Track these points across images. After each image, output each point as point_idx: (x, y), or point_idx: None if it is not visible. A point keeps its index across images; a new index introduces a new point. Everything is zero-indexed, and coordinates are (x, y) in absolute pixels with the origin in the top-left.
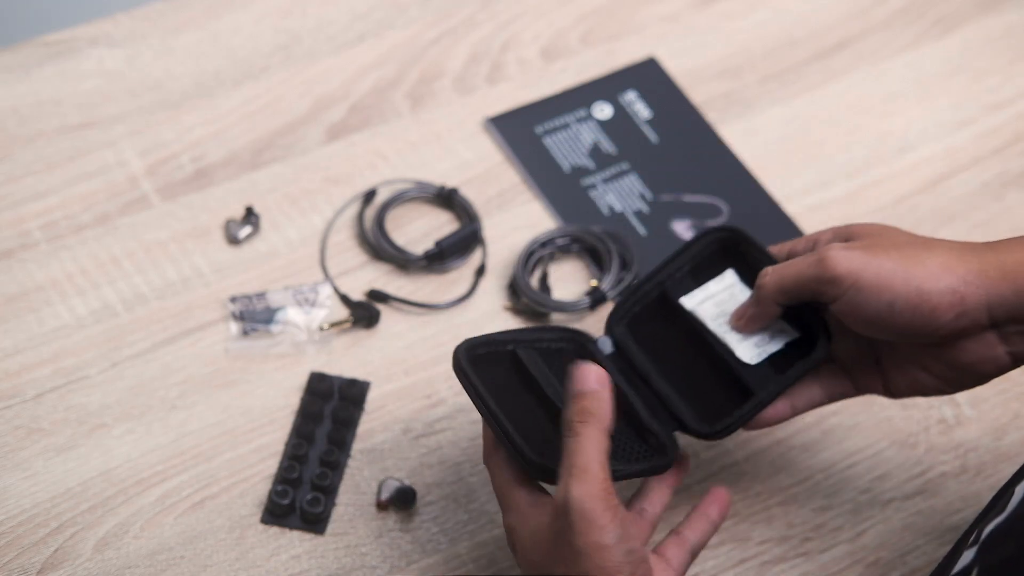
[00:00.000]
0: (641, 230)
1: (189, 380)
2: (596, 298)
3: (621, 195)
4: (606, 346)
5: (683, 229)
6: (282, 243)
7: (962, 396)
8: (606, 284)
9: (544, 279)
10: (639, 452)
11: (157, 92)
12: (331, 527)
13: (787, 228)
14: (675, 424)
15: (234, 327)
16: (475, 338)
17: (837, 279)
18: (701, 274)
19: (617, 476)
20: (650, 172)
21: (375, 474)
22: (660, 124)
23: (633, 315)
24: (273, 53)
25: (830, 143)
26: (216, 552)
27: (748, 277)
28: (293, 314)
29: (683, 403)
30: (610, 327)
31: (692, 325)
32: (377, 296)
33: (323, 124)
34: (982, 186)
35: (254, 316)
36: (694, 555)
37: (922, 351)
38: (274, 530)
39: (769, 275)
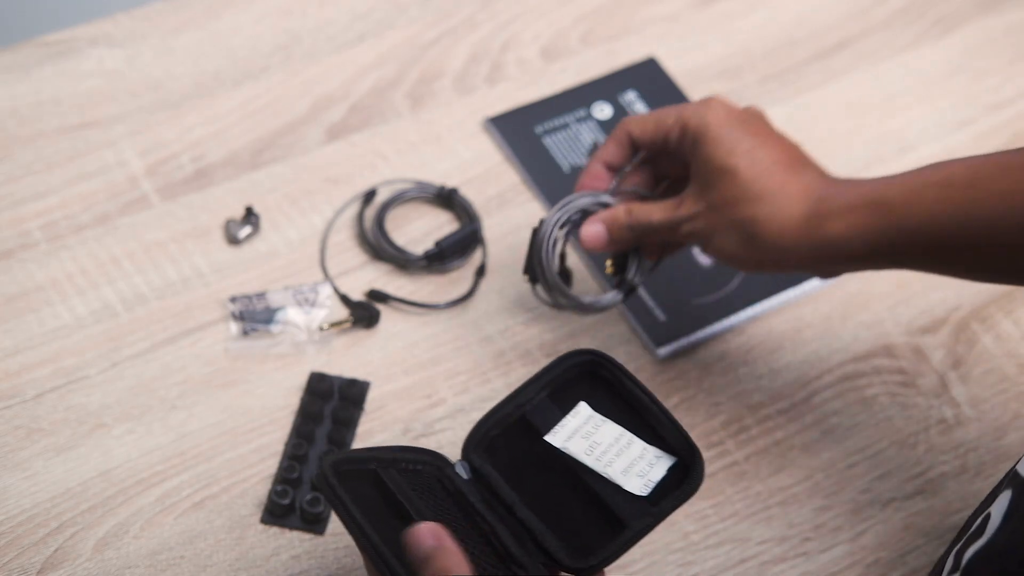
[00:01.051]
0: None
1: (189, 380)
2: (627, 290)
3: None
4: (463, 471)
5: None
6: (282, 243)
7: (962, 396)
8: (631, 271)
9: (564, 270)
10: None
11: (157, 92)
12: (331, 527)
13: None
14: (543, 556)
15: (234, 327)
16: (339, 454)
17: (687, 244)
18: (560, 397)
19: None
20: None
21: None
22: None
23: (491, 439)
24: (273, 53)
25: (830, 143)
26: (216, 552)
27: (606, 404)
28: (293, 314)
29: (551, 535)
30: (466, 452)
31: (555, 454)
32: (377, 296)
33: (323, 124)
34: None
35: (254, 316)
36: None
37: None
38: (274, 530)
39: (627, 217)
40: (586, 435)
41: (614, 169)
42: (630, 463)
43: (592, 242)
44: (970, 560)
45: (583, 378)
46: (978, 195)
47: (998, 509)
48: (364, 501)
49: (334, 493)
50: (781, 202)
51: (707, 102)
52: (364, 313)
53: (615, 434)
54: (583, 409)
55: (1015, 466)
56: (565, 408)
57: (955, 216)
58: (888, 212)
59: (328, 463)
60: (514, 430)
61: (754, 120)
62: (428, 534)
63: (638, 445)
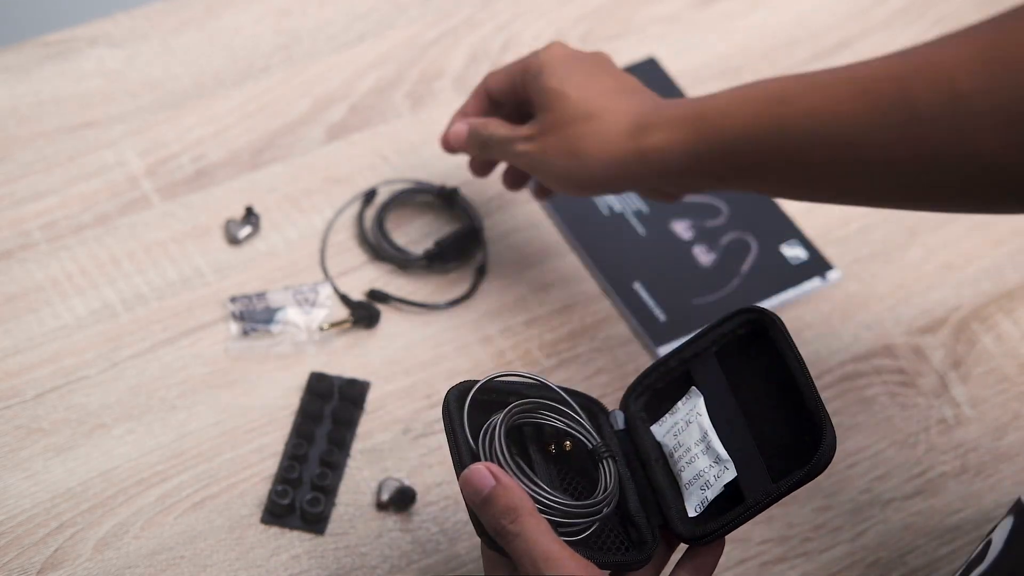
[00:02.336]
0: (641, 230)
1: (189, 380)
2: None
3: (620, 195)
4: (618, 421)
5: (683, 229)
6: (282, 243)
7: (962, 396)
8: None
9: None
10: (616, 542)
11: (157, 92)
12: (331, 527)
13: (787, 228)
14: (660, 519)
15: (234, 327)
16: (469, 383)
17: (527, 170)
18: (725, 357)
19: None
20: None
21: (375, 474)
22: None
23: (654, 392)
24: (273, 53)
25: None
26: (216, 552)
27: (769, 366)
28: (293, 314)
29: (674, 498)
30: (626, 402)
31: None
32: (377, 296)
33: (323, 124)
34: None
35: (254, 316)
36: None
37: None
38: (274, 530)
39: (472, 136)
40: (676, 433)
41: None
42: (697, 473)
43: (452, 139)
44: None
45: (750, 337)
46: (787, 111)
47: (1000, 536)
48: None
49: (449, 417)
50: (607, 119)
51: (548, 45)
52: (364, 313)
53: (698, 437)
54: (694, 399)
55: (1020, 497)
56: (728, 368)
57: (766, 131)
58: (704, 126)
59: (454, 390)
60: (675, 384)
61: (595, 59)
62: (486, 473)
63: (704, 460)
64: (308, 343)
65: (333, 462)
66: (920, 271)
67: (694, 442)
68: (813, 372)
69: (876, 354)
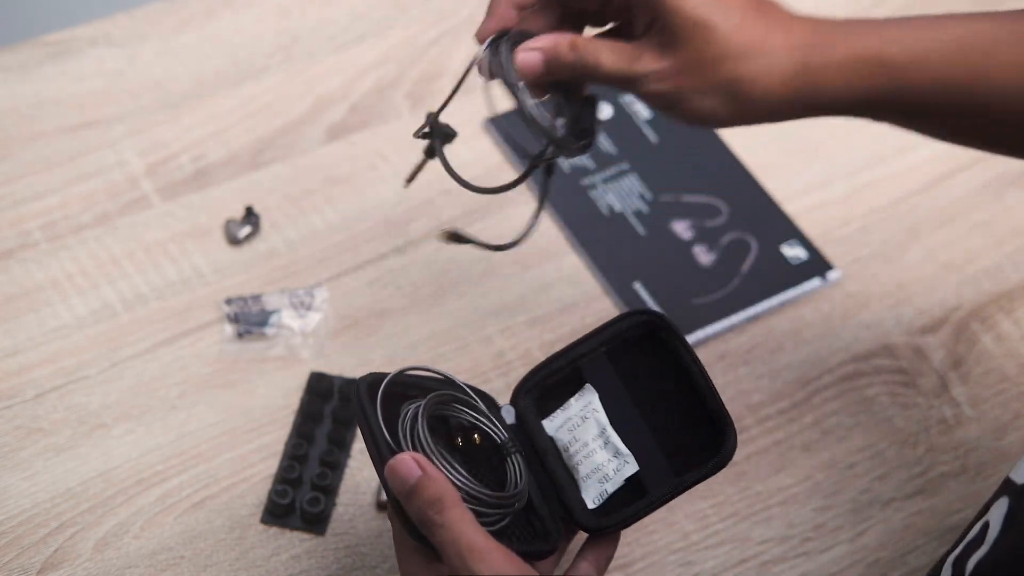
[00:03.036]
0: (641, 230)
1: (189, 380)
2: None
3: (621, 195)
4: (509, 416)
5: (683, 229)
6: (282, 243)
7: (962, 396)
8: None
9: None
10: (521, 533)
11: (157, 92)
12: (331, 527)
13: (787, 228)
14: (562, 511)
15: (228, 329)
16: (376, 375)
17: (651, 106)
18: (617, 356)
19: None
20: (650, 172)
21: (375, 474)
22: (660, 124)
23: (543, 389)
24: (273, 53)
25: (830, 143)
26: (216, 552)
27: (658, 366)
28: (288, 317)
29: (574, 491)
30: (515, 398)
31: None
32: (456, 237)
33: (323, 124)
34: (982, 186)
35: (249, 319)
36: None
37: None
38: (274, 530)
39: (574, 52)
40: (571, 428)
41: (524, 8)
42: (595, 467)
43: (525, 67)
44: (974, 570)
45: (642, 339)
46: (992, 64)
47: (996, 516)
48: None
49: (361, 408)
50: (768, 58)
51: None
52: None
53: (595, 432)
54: (588, 393)
55: (1009, 474)
56: (620, 367)
57: (965, 84)
58: (884, 73)
59: (364, 381)
60: (565, 383)
61: None
62: (412, 464)
63: (602, 454)
64: (302, 347)
65: (333, 462)
66: (920, 271)
67: (591, 437)
68: (813, 372)
69: (876, 354)
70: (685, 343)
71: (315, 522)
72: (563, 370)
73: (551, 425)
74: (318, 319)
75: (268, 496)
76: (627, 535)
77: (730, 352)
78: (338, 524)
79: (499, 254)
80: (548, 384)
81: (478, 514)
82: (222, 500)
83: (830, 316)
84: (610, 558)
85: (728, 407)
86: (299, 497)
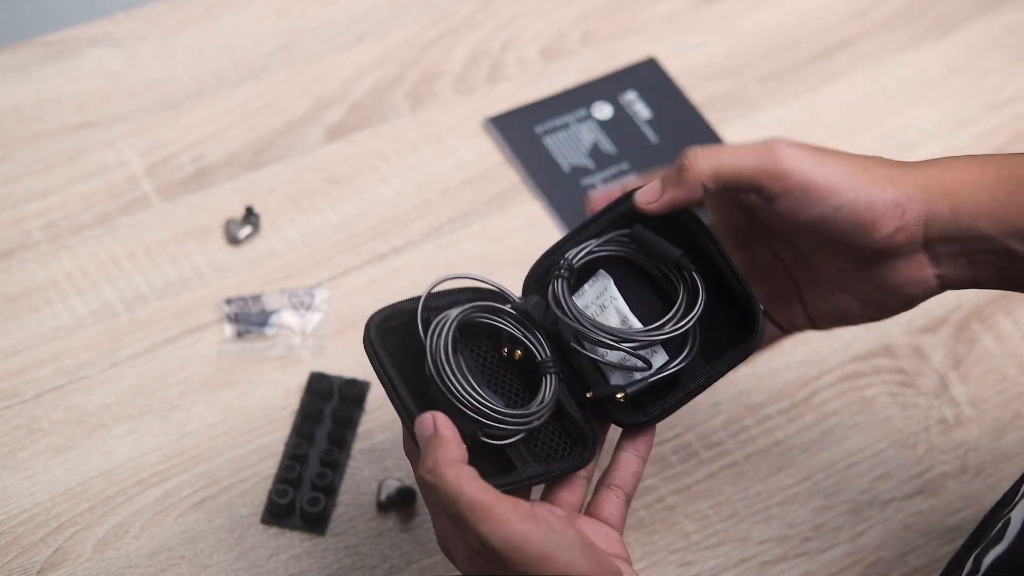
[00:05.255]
0: None
1: (189, 380)
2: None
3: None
4: (529, 304)
5: None
6: (282, 243)
7: (962, 396)
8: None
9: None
10: (559, 446)
11: (157, 92)
12: (331, 527)
13: None
14: (595, 410)
15: (228, 329)
16: (387, 308)
17: (786, 173)
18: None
19: (537, 480)
20: (650, 172)
21: (375, 474)
22: (660, 124)
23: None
24: (273, 53)
25: (830, 143)
26: (216, 552)
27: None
28: (288, 317)
29: (602, 385)
30: (526, 289)
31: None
32: None
33: (323, 124)
34: None
35: (249, 319)
36: (629, 502)
37: (849, 271)
38: (274, 530)
39: (702, 156)
40: (593, 315)
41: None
42: (622, 358)
43: (645, 200)
44: (991, 566)
45: (659, 222)
46: None
47: (1019, 515)
48: (403, 357)
49: (374, 351)
50: (892, 164)
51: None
52: None
53: (617, 320)
54: (600, 279)
55: None
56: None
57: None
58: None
59: (374, 319)
60: (581, 270)
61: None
62: (428, 423)
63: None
64: (302, 347)
65: (333, 462)
66: None
67: (615, 326)
68: (813, 372)
69: (876, 354)
70: (701, 224)
71: (315, 522)
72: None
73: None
74: (318, 319)
75: (268, 496)
76: (627, 535)
77: None
78: (338, 524)
79: (500, 255)
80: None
81: (494, 431)
82: (222, 500)
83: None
84: (650, 447)
85: (728, 407)
86: (299, 497)
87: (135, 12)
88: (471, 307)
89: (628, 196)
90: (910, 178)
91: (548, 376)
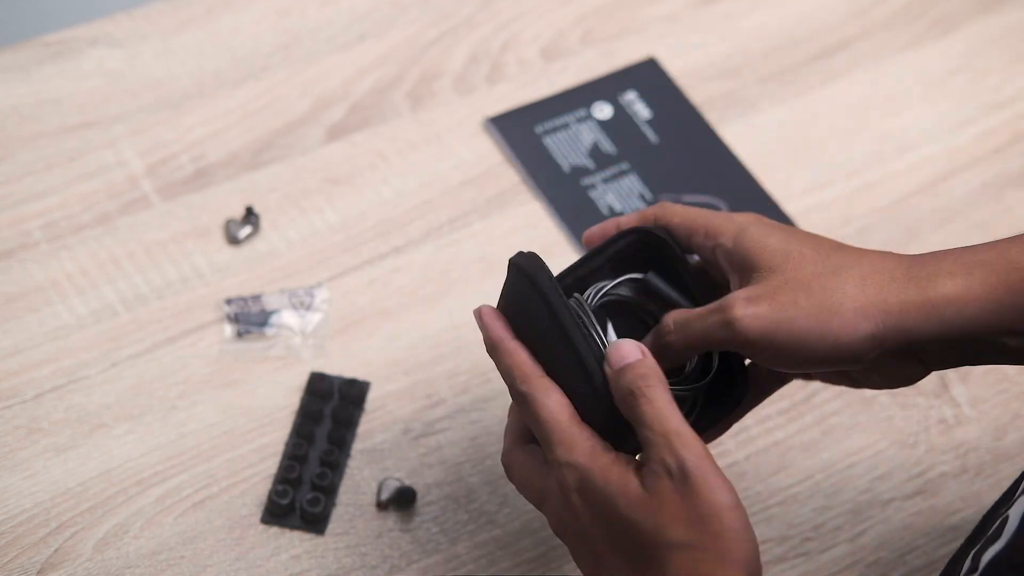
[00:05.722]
0: None
1: (189, 380)
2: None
3: (621, 195)
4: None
5: None
6: (282, 243)
7: (962, 396)
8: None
9: None
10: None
11: (157, 92)
12: (331, 527)
13: None
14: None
15: (228, 329)
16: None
17: (749, 343)
18: (620, 274)
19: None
20: (650, 172)
21: (375, 474)
22: (660, 124)
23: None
24: (273, 53)
25: (830, 143)
26: (216, 552)
27: (665, 278)
28: (288, 317)
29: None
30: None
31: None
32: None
33: (323, 124)
34: (982, 186)
35: (249, 319)
36: None
37: (841, 375)
38: (274, 530)
39: (674, 333)
40: None
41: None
42: None
43: (625, 354)
44: (989, 564)
45: (642, 257)
46: None
47: (1017, 512)
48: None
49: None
50: (867, 268)
51: (737, 213)
52: None
53: None
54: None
55: None
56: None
57: None
58: (1016, 273)
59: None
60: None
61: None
62: (635, 347)
63: None
64: (302, 347)
65: (333, 462)
66: None
67: None
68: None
69: None
70: (684, 260)
71: (315, 522)
72: (569, 290)
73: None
74: (318, 319)
75: (268, 496)
76: None
77: None
78: (338, 524)
79: (500, 255)
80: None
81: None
82: (222, 500)
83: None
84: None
85: None
86: (299, 497)
87: (135, 12)
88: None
89: (624, 235)
90: (885, 304)
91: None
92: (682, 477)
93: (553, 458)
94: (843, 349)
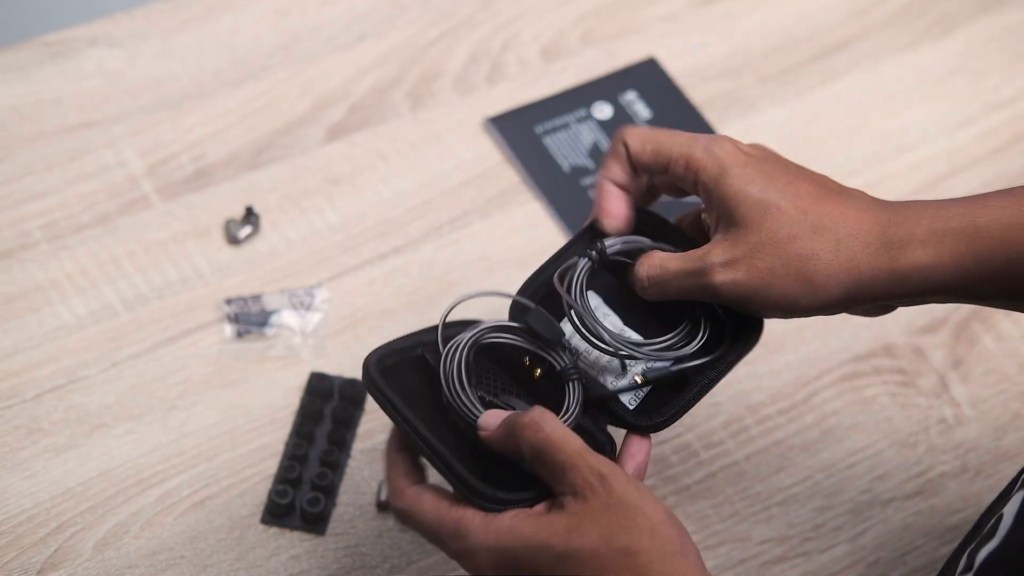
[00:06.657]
0: None
1: (189, 380)
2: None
3: None
4: (538, 320)
5: None
6: (282, 243)
7: (962, 396)
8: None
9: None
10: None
11: (157, 92)
12: (331, 527)
13: None
14: (608, 417)
15: (228, 329)
16: (383, 347)
17: (726, 303)
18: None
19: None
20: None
21: (375, 474)
22: (660, 124)
23: (539, 301)
24: (273, 53)
25: (830, 143)
26: (216, 552)
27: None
28: (288, 317)
29: (610, 395)
30: (513, 312)
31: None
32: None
33: (323, 124)
34: (982, 186)
35: (249, 319)
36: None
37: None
38: (274, 530)
39: (649, 289)
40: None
41: (623, 186)
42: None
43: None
44: (983, 562)
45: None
46: None
47: (1011, 511)
48: (409, 391)
49: (378, 390)
50: (843, 233)
51: (715, 138)
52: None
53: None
54: (592, 299)
55: None
56: (616, 270)
57: None
58: (983, 243)
59: (372, 359)
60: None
61: (772, 156)
62: (494, 417)
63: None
64: (302, 347)
65: (333, 462)
66: None
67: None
68: (813, 372)
69: (876, 354)
70: (667, 224)
71: (315, 522)
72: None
73: (567, 329)
74: (318, 319)
75: (268, 496)
76: None
77: None
78: (338, 524)
79: (500, 255)
80: (542, 295)
81: None
82: (222, 500)
83: (830, 316)
84: (648, 460)
85: (728, 407)
86: (299, 497)
87: (135, 12)
88: (484, 330)
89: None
90: (857, 274)
91: (571, 383)
92: (617, 505)
93: (454, 552)
94: (815, 308)
